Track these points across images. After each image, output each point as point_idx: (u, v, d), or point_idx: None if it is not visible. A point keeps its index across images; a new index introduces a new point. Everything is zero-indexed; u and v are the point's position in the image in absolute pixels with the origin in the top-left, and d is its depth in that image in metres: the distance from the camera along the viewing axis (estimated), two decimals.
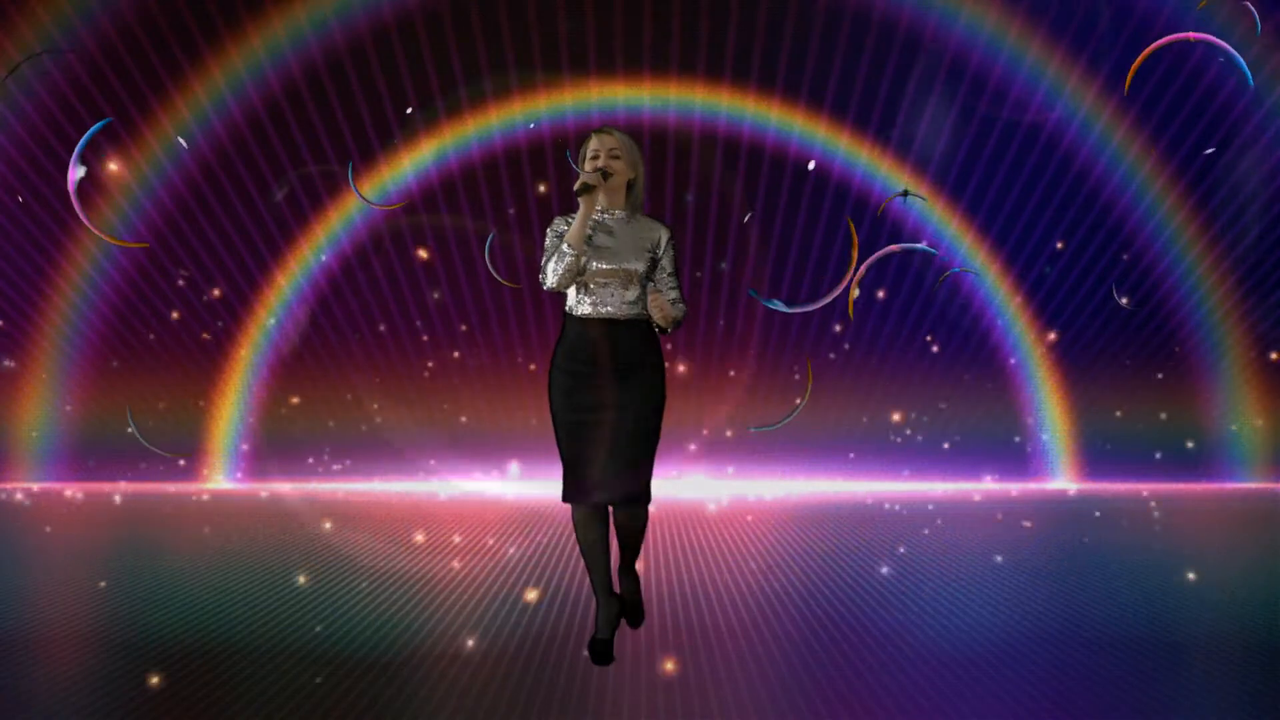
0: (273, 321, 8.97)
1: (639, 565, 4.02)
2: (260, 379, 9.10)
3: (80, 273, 8.73)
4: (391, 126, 8.46)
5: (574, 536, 3.81)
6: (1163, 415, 9.18)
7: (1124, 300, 7.87)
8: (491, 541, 6.13)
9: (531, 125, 8.16)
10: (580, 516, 3.66)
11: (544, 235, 3.72)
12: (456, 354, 9.15)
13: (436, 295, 8.95)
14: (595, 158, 3.63)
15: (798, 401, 8.64)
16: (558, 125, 8.40)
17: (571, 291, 3.65)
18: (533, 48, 8.23)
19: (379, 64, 8.25)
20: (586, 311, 3.61)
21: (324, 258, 8.84)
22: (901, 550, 5.88)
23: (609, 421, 3.56)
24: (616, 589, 3.87)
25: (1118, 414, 9.22)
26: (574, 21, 7.85)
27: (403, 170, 8.66)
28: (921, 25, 8.15)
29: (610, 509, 3.69)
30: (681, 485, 9.07)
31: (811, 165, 8.26)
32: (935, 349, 9.17)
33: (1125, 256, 8.65)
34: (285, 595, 4.61)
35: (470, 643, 3.86)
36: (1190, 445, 9.19)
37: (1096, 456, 9.28)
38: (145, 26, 8.05)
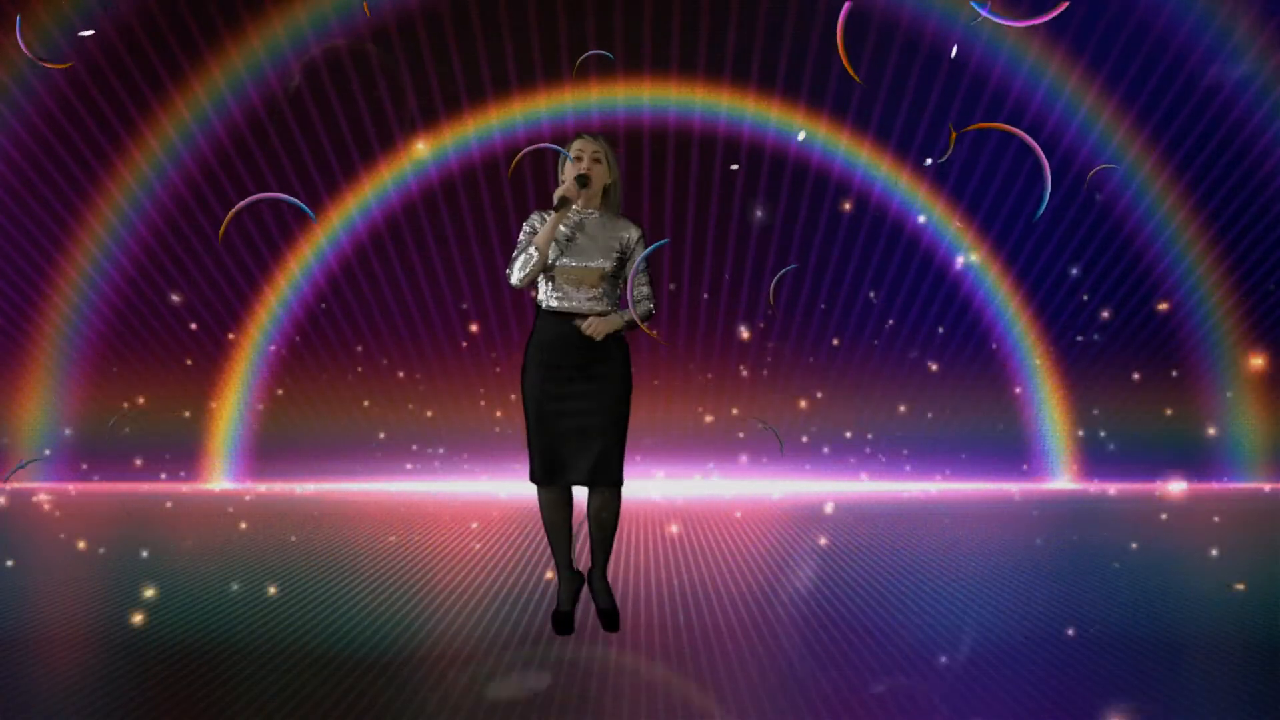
0: (271, 321, 8.97)
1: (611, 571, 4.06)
2: (260, 379, 9.10)
3: (80, 272, 8.73)
4: (391, 126, 8.46)
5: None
6: (1165, 414, 9.17)
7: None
8: (490, 541, 6.13)
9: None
10: (547, 498, 3.94)
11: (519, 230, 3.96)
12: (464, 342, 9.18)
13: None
14: (579, 158, 3.87)
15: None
16: (557, 125, 8.39)
17: (542, 287, 3.90)
18: (532, 48, 8.23)
19: (378, 64, 8.24)
20: (555, 306, 3.86)
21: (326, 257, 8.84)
22: (900, 549, 5.88)
23: (580, 409, 3.83)
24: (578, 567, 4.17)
25: (1118, 413, 9.21)
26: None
27: (402, 170, 8.66)
28: (921, 25, 8.15)
29: (588, 503, 3.97)
30: (674, 486, 9.07)
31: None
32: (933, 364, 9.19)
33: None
34: (285, 595, 4.61)
35: (470, 643, 3.86)
36: (1191, 445, 9.18)
37: (1097, 456, 9.28)
38: (145, 26, 8.05)
